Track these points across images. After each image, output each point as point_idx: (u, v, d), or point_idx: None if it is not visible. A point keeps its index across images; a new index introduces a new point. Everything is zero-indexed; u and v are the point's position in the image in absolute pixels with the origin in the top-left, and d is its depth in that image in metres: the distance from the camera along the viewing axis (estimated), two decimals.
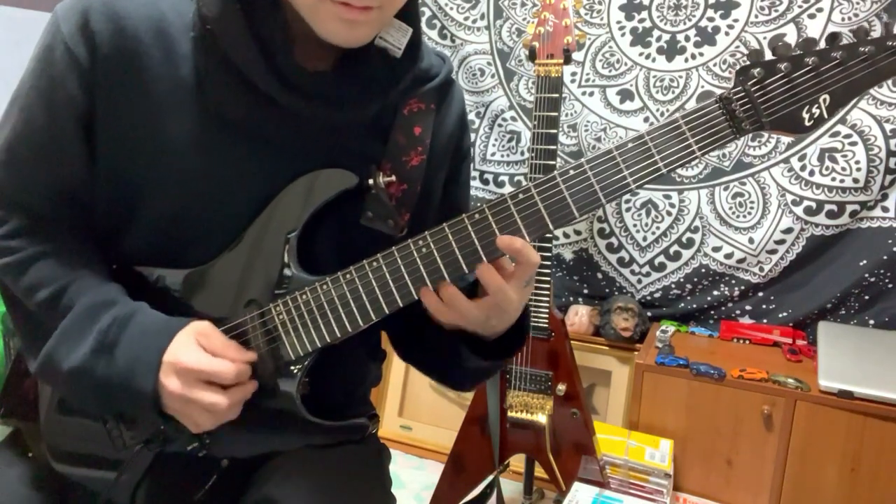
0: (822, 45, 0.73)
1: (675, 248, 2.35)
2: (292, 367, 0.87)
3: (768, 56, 0.75)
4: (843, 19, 2.04)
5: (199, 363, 0.79)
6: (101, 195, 0.87)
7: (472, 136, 2.17)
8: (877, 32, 0.72)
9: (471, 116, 2.51)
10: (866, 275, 2.10)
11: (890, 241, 2.07)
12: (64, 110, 0.82)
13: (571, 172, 0.78)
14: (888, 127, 2.04)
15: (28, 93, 0.84)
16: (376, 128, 0.92)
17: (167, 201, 0.85)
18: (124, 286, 0.88)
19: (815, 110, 0.73)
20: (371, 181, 0.88)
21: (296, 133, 0.85)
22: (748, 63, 0.75)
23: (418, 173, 0.94)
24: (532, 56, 1.72)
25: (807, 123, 0.74)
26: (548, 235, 1.80)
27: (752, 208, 2.23)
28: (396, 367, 2.57)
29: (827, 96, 0.73)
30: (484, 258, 0.80)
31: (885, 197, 2.08)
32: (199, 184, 0.85)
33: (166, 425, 0.85)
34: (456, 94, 1.00)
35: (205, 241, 0.88)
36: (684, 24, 2.24)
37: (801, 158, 2.16)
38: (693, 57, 2.25)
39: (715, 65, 2.22)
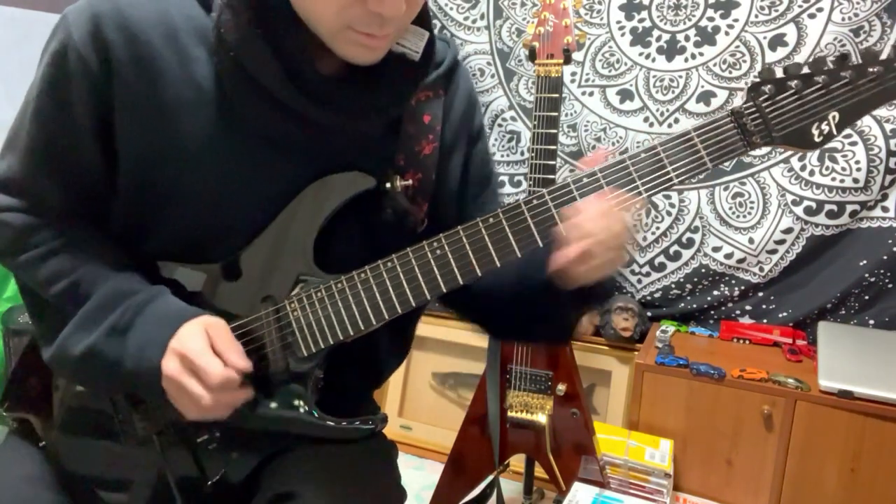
0: (832, 64, 0.74)
1: (675, 248, 2.35)
2: (305, 364, 0.89)
3: (779, 74, 0.76)
4: (843, 19, 2.04)
5: (195, 353, 0.80)
6: (124, 199, 0.88)
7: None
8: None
9: None
10: (866, 275, 2.10)
11: (890, 241, 2.08)
12: (77, 114, 0.83)
13: (585, 180, 0.81)
14: (888, 127, 2.05)
15: (41, 97, 0.84)
16: (391, 125, 0.93)
17: (189, 204, 0.87)
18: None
19: (825, 126, 0.75)
20: (388, 185, 0.89)
21: (315, 138, 0.87)
22: (760, 79, 0.76)
23: (432, 161, 0.95)
24: (532, 56, 1.72)
25: (816, 139, 0.75)
26: None
27: (752, 208, 2.24)
28: None
29: (836, 113, 0.74)
30: (497, 262, 0.82)
31: (885, 197, 2.09)
32: (219, 186, 0.86)
33: (167, 406, 0.86)
34: (462, 76, 1.01)
35: (225, 240, 0.90)
36: (684, 23, 2.24)
37: (801, 158, 2.16)
38: (693, 57, 2.24)
39: (715, 65, 2.22)
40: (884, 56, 0.72)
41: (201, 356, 0.80)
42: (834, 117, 0.74)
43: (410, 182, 0.90)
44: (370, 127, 0.89)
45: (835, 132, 0.74)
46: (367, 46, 0.78)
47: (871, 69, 0.72)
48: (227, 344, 0.83)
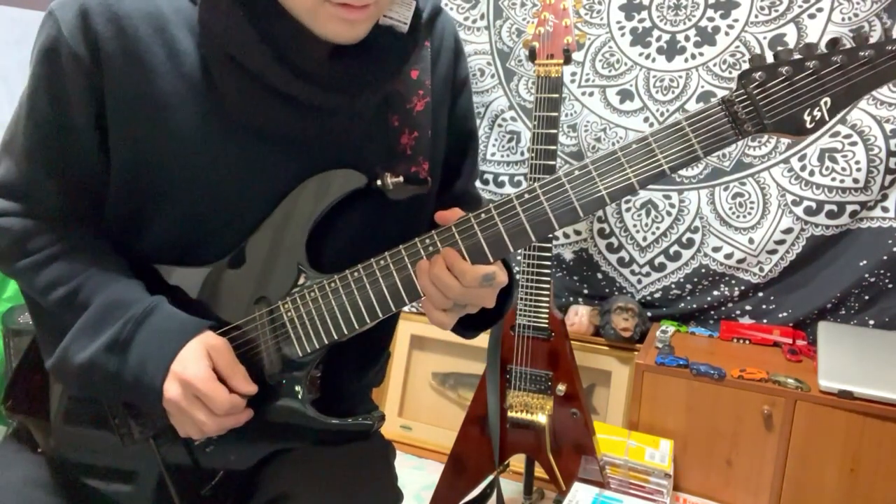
0: (823, 49, 0.74)
1: (675, 248, 2.35)
2: (301, 364, 0.88)
3: (770, 60, 0.76)
4: (843, 19, 2.04)
5: (199, 381, 0.80)
6: (116, 196, 0.87)
7: None
8: (877, 33, 0.73)
9: None
10: (866, 275, 2.10)
11: (890, 241, 2.07)
12: (74, 108, 0.82)
13: (577, 173, 0.80)
14: (888, 127, 2.04)
15: (35, 95, 0.84)
16: (384, 103, 0.92)
17: (179, 199, 0.86)
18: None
19: (816, 112, 0.74)
20: (379, 182, 0.88)
21: (308, 127, 0.86)
22: (750, 66, 0.76)
23: (425, 117, 0.94)
24: (532, 56, 1.72)
25: (808, 125, 0.75)
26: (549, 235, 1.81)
27: (752, 208, 2.23)
28: (397, 367, 2.57)
29: (828, 99, 0.74)
30: (490, 258, 0.81)
31: (885, 197, 2.08)
32: (210, 181, 0.85)
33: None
34: (446, 23, 0.99)
35: (217, 239, 0.89)
36: (684, 24, 2.24)
37: (801, 158, 2.16)
38: (693, 57, 2.25)
39: (715, 65, 2.22)
40: (874, 39, 0.72)
41: (206, 383, 0.80)
42: (826, 103, 0.73)
43: (401, 178, 0.89)
44: (364, 104, 0.87)
45: (827, 118, 0.74)
46: (346, 20, 0.76)
47: (862, 53, 0.72)
48: (230, 368, 0.83)
